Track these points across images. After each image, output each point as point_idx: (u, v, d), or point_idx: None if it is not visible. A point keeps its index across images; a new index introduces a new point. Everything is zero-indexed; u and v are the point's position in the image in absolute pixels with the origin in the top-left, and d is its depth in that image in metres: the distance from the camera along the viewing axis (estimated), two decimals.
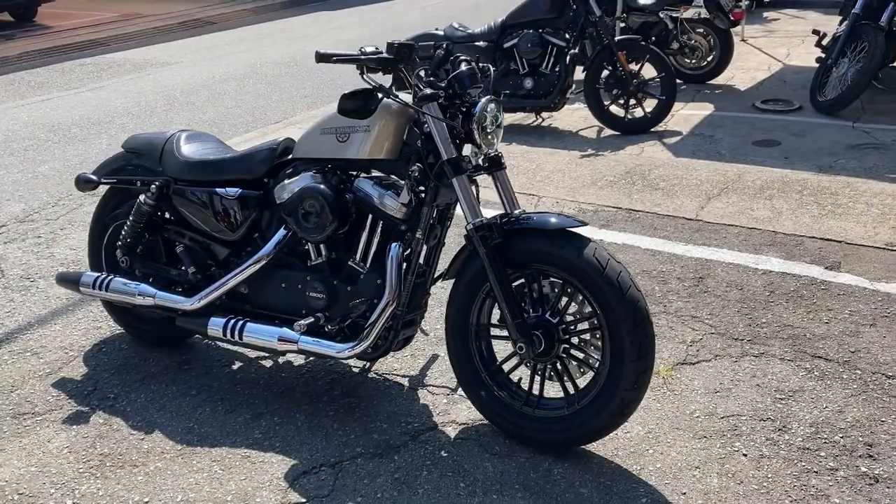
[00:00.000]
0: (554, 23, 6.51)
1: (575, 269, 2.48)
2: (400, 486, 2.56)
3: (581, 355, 2.62)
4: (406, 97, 2.70)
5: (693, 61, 7.81)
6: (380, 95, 2.60)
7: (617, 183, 5.23)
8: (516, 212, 2.66)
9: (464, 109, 2.65)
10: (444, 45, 7.06)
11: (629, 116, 6.45)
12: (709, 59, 7.80)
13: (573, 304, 2.61)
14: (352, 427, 2.86)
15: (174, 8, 14.95)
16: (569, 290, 2.58)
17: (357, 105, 2.54)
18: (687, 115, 6.80)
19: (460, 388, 2.96)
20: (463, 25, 6.87)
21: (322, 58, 2.56)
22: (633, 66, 6.47)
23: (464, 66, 2.65)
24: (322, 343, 2.80)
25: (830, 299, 3.57)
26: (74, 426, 2.96)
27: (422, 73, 2.74)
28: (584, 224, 2.53)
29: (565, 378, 2.65)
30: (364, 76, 2.59)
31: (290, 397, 3.06)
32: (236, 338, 2.93)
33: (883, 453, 2.60)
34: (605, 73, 6.46)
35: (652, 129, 6.39)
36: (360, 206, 2.79)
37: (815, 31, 7.13)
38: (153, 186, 3.12)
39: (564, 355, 2.63)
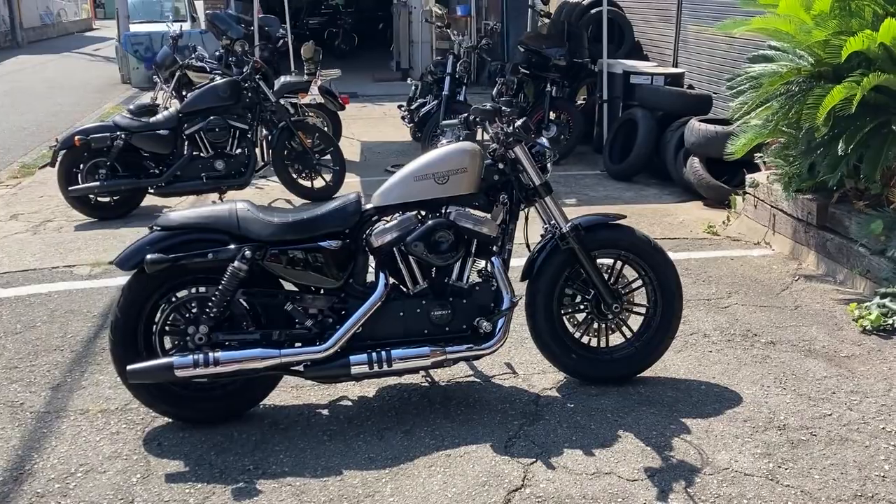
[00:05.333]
0: (231, 109, 7.06)
1: (633, 245, 3.65)
2: (575, 428, 3.35)
3: (630, 307, 3.75)
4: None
5: (311, 140, 8.97)
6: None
7: None
8: (573, 219, 3.65)
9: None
10: (122, 136, 7.16)
11: (316, 186, 7.39)
12: None
13: (611, 274, 3.72)
14: (488, 414, 3.46)
15: None
16: (619, 264, 3.69)
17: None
18: (347, 181, 7.95)
19: (517, 369, 3.80)
20: (135, 117, 6.93)
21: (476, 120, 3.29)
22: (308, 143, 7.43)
23: (524, 118, 3.57)
24: (467, 347, 3.37)
25: None
26: (257, 497, 2.94)
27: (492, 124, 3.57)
28: (625, 216, 3.70)
29: (622, 327, 3.75)
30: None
31: (410, 414, 3.47)
32: (384, 367, 3.28)
33: (750, 334, 4.26)
34: (285, 150, 7.30)
35: (334, 196, 7.40)
36: (461, 232, 3.45)
37: (401, 107, 9.05)
38: (246, 252, 3.19)
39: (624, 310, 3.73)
